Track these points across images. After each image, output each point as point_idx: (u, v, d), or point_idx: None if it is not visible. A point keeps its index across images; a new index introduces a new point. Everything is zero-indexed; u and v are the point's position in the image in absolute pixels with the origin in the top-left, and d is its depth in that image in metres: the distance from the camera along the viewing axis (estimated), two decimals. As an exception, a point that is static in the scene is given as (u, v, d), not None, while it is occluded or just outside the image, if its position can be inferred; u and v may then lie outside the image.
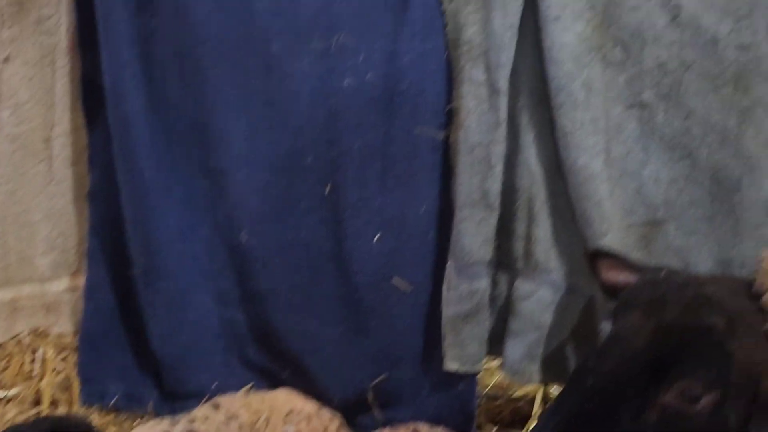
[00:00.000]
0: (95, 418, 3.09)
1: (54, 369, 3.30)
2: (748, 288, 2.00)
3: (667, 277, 2.16)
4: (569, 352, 2.79)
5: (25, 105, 3.27)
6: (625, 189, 2.62)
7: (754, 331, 1.91)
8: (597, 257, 2.36)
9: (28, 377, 3.34)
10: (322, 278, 2.94)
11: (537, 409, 3.04)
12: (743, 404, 1.86)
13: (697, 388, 1.85)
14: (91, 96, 3.16)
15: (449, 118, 2.71)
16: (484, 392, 3.21)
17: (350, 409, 3.00)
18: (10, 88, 3.24)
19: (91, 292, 3.31)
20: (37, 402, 3.16)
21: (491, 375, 3.40)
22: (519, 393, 3.29)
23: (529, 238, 2.70)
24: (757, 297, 1.96)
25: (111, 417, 3.16)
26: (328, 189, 2.85)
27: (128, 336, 3.30)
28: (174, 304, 3.10)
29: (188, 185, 3.03)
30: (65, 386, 3.25)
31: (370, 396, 2.97)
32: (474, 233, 2.68)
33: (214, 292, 3.12)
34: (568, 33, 2.49)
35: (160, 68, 2.95)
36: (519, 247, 2.73)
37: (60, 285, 3.61)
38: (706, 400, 1.85)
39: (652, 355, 1.93)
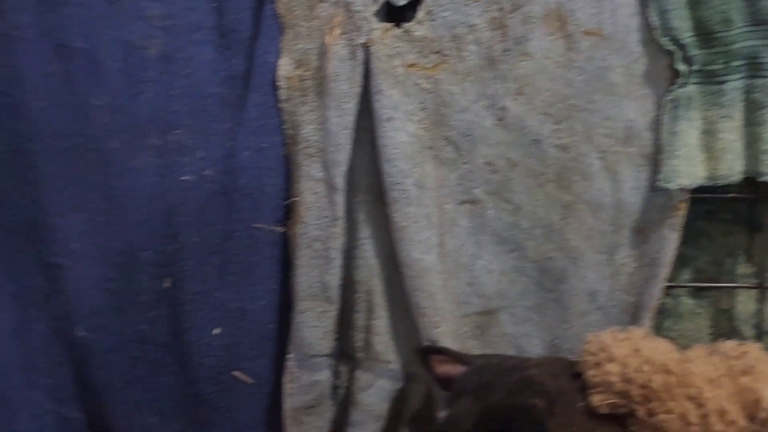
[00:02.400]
0: None
1: None
2: (571, 368, 2.13)
3: (496, 363, 2.28)
4: (409, 441, 2.84)
5: None
6: (459, 281, 2.71)
7: (573, 409, 2.03)
8: (427, 352, 2.44)
9: None
10: (161, 372, 2.89)
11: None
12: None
13: None
14: None
15: (288, 212, 2.75)
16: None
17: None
18: None
19: None
20: None
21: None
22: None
23: (368, 330, 2.75)
24: (578, 376, 2.09)
25: None
26: (167, 283, 2.83)
27: (-45, 440, 3.17)
28: (4, 403, 2.98)
29: (23, 281, 2.93)
30: None
31: (212, 491, 2.93)
32: (314, 326, 2.71)
33: (49, 388, 3.02)
34: (400, 133, 2.57)
35: (-6, 163, 2.88)
36: (359, 338, 2.78)
37: None
38: None
39: None
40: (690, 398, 1.96)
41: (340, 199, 2.65)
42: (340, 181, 2.63)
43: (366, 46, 2.57)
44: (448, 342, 2.63)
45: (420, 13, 2.56)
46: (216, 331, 2.82)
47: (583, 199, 2.58)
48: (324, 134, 2.62)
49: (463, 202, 2.67)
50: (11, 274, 2.95)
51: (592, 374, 2.07)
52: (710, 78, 2.43)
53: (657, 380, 1.99)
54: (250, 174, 2.75)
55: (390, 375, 2.76)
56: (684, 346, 2.15)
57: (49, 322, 2.96)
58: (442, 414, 2.46)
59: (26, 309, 2.97)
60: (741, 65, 2.40)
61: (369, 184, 2.70)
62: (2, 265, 2.95)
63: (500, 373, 2.19)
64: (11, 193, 2.89)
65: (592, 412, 2.03)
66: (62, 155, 2.82)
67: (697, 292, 2.69)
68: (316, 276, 2.69)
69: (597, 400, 2.03)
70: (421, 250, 2.62)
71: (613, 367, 2.04)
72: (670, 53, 2.43)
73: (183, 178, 2.77)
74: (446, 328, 2.67)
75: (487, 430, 2.04)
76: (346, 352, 2.82)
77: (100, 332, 2.91)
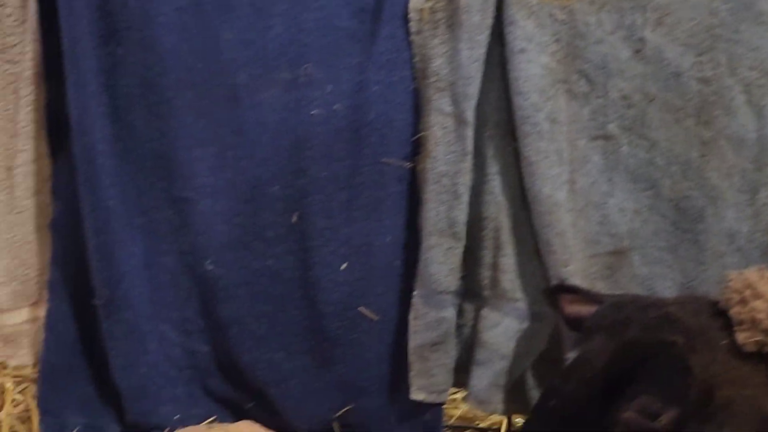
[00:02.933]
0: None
1: (13, 400, 3.24)
2: (711, 307, 2.05)
3: (631, 300, 2.21)
4: (534, 382, 2.81)
5: (-14, 134, 3.25)
6: (589, 219, 2.66)
7: (715, 346, 1.95)
8: (557, 291, 2.39)
9: (-13, 411, 3.29)
10: (287, 307, 2.93)
11: (501, 440, 3.04)
12: (703, 418, 1.88)
13: (656, 404, 1.86)
14: (55, 125, 3.12)
15: (416, 148, 2.73)
16: (449, 423, 3.20)
17: (315, 440, 2.99)
18: (-28, 116, 3.21)
19: (51, 324, 3.26)
20: (-5, 434, 3.09)
21: (456, 407, 3.41)
22: (484, 424, 3.29)
23: (495, 267, 2.72)
24: (721, 314, 2.00)
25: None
26: (294, 218, 2.84)
27: (89, 368, 3.25)
28: (136, 335, 3.06)
29: (152, 215, 3.00)
30: (25, 418, 3.19)
31: (335, 427, 2.95)
32: (441, 262, 2.69)
33: (177, 322, 3.09)
34: (533, 65, 2.52)
35: (126, 98, 2.92)
36: (485, 276, 2.75)
37: (19, 316, 3.54)
38: (666, 417, 1.86)
39: (613, 374, 1.97)
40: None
41: (469, 133, 2.61)
42: (470, 115, 2.59)
43: (499, -23, 2.53)
44: (576, 282, 2.58)
45: (556, -58, 2.51)
46: (343, 266, 2.82)
47: (725, 135, 2.49)
48: (454, 67, 2.58)
49: (596, 138, 2.60)
50: (141, 209, 3.02)
51: (737, 311, 1.98)
52: None
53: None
54: (378, 108, 2.74)
55: (517, 314, 2.73)
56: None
57: (177, 257, 3.02)
58: (571, 354, 2.42)
59: (155, 243, 3.03)
60: None
61: (499, 118, 2.65)
62: (132, 199, 3.01)
63: (636, 310, 2.11)
64: (142, 127, 2.94)
65: (735, 350, 1.94)
66: (192, 89, 2.85)
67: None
68: (443, 212, 2.67)
69: (743, 337, 1.94)
70: (552, 186, 2.57)
71: (760, 305, 1.95)
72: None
73: (312, 112, 2.77)
74: (575, 268, 2.62)
75: (623, 367, 1.98)
76: (472, 290, 2.79)
77: (228, 266, 2.95)
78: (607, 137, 2.59)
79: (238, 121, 2.84)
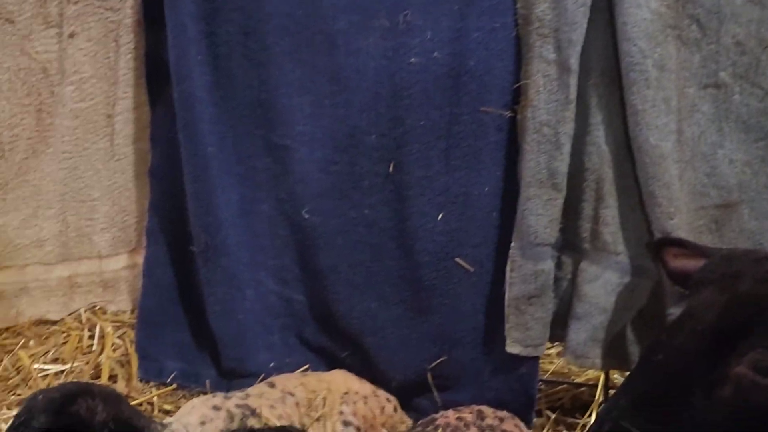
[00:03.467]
0: (153, 394, 3.09)
1: (112, 345, 3.31)
2: None
3: (743, 254, 2.14)
4: (634, 337, 2.74)
5: (88, 81, 3.28)
6: (696, 171, 2.57)
7: None
8: (661, 245, 2.32)
9: (87, 352, 3.35)
10: (383, 257, 2.92)
11: (599, 395, 2.96)
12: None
13: None
14: (155, 73, 3.16)
15: (517, 96, 2.67)
16: (544, 378, 3.15)
17: (408, 391, 2.98)
18: (74, 64, 3.25)
19: (149, 269, 3.32)
20: (96, 377, 3.15)
21: (551, 362, 3.37)
22: (580, 380, 3.24)
23: (596, 220, 2.66)
24: None
25: (168, 393, 3.15)
26: (391, 167, 2.82)
27: (186, 313, 3.31)
28: (233, 282, 3.09)
29: (251, 162, 3.02)
30: (124, 362, 3.25)
31: (429, 378, 2.94)
32: (540, 213, 2.63)
33: (273, 270, 3.11)
34: (642, 10, 2.43)
35: (225, 45, 2.93)
36: (586, 228, 2.69)
37: (118, 262, 3.62)
38: None
39: (724, 328, 1.91)
40: None
41: (572, 81, 2.54)
42: (574, 62, 2.52)
43: None
44: (681, 235, 2.49)
45: None
46: (439, 216, 2.79)
47: (844, 84, 2.38)
48: (559, 12, 2.51)
49: (707, 86, 2.51)
50: (239, 156, 3.03)
51: None
52: None
53: None
54: (478, 56, 2.68)
55: (617, 267, 2.66)
56: None
57: (274, 204, 3.03)
58: (674, 309, 2.36)
59: (253, 191, 3.05)
60: None
61: (604, 65, 2.58)
62: (230, 147, 3.03)
63: (749, 263, 2.04)
64: (241, 75, 2.94)
65: None
66: (291, 36, 2.84)
67: None
68: (543, 162, 2.61)
69: None
70: (659, 135, 2.49)
71: None
72: None
73: (410, 60, 2.73)
74: (680, 221, 2.54)
75: (735, 321, 1.91)
76: (572, 243, 2.73)
77: (324, 215, 2.95)
78: (718, 85, 2.50)
79: (336, 69, 2.83)
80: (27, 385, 3.16)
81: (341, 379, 2.86)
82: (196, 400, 2.63)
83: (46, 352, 3.37)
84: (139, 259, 3.46)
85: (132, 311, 3.59)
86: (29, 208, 3.39)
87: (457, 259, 2.81)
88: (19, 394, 3.12)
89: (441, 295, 2.87)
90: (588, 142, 2.63)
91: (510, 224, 2.72)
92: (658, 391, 1.91)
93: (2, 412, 2.96)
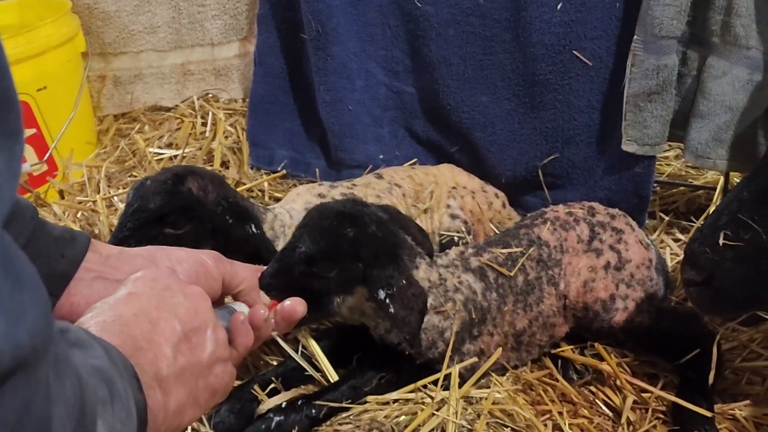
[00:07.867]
0: (264, 179, 3.12)
1: (224, 132, 3.34)
2: None
3: None
4: (762, 137, 2.58)
5: None
6: None
7: None
8: None
9: (200, 138, 3.40)
10: (497, 49, 2.79)
11: (717, 198, 2.84)
12: None
13: None
14: None
15: None
16: (660, 179, 3.04)
17: (518, 188, 2.93)
18: None
19: (261, 57, 3.28)
20: (208, 162, 3.20)
21: (668, 164, 3.25)
22: (698, 182, 3.11)
23: (728, 11, 2.44)
24: None
25: (278, 181, 3.18)
26: (508, -47, 2.66)
27: (297, 102, 3.29)
28: (343, 72, 3.04)
29: (362, -52, 2.90)
30: (235, 149, 3.28)
31: (539, 175, 2.86)
32: (666, 4, 2.43)
33: (384, 60, 3.04)
34: None
35: None
36: (716, 20, 2.48)
37: (230, 50, 3.61)
38: None
39: None
40: None
41: None
42: None
43: None
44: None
45: None
46: (558, 6, 2.64)
47: None
48: None
49: None
50: (351, -58, 2.92)
51: None
52: None
53: None
54: None
55: (748, 62, 2.46)
56: None
57: (388, -8, 2.93)
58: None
59: (366, -24, 2.94)
60: None
61: None
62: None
63: None
64: None
65: None
66: None
67: None
68: (674, -52, 2.40)
69: None
70: None
71: None
72: None
73: None
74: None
75: None
76: (699, 37, 2.54)
77: (437, 4, 2.82)
78: None
79: None
80: (143, 167, 3.24)
81: (449, 173, 2.81)
82: (301, 188, 2.62)
83: (161, 137, 3.44)
84: (251, 47, 3.44)
85: (243, 99, 3.60)
86: (142, -7, 3.39)
87: (575, 52, 2.67)
88: (135, 176, 3.21)
89: (555, 90, 2.75)
90: None
91: (633, 16, 2.54)
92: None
93: (119, 191, 3.05)
